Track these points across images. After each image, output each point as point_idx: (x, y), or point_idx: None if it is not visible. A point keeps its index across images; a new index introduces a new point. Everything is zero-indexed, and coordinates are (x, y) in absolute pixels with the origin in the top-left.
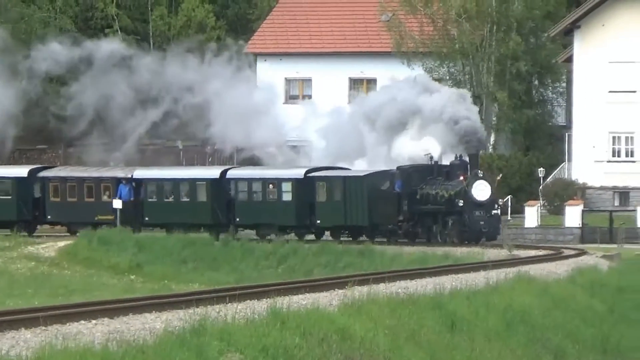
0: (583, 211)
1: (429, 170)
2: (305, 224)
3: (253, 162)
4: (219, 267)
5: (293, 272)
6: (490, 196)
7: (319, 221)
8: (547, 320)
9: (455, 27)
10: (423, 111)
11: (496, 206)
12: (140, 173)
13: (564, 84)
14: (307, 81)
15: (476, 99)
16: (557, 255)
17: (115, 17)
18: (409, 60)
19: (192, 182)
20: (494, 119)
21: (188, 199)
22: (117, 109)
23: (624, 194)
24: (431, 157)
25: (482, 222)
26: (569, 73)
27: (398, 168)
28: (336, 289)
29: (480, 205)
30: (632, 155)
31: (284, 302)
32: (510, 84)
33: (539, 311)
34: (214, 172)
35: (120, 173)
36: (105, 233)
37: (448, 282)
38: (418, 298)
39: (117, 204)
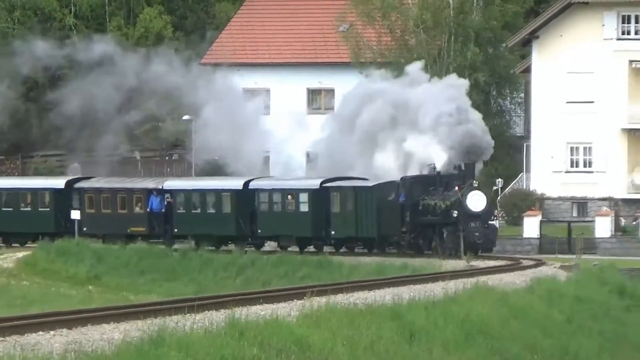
0: (541, 222)
1: (431, 181)
2: (321, 235)
3: (219, 173)
4: (177, 278)
5: (251, 283)
6: (485, 207)
7: (333, 232)
8: (505, 330)
9: (413, 38)
10: (411, 106)
11: (493, 217)
12: (169, 184)
13: (522, 95)
14: (265, 92)
15: None
16: (515, 266)
17: (73, 28)
18: (367, 71)
19: (218, 193)
20: None
21: (214, 210)
22: (100, 113)
23: (582, 204)
24: (434, 167)
25: (477, 234)
26: (527, 83)
27: (402, 178)
28: (295, 300)
29: (475, 216)
30: (589, 166)
31: (242, 312)
32: (469, 94)
33: (497, 321)
34: (237, 183)
35: (151, 184)
36: (63, 244)
37: (406, 292)
38: (376, 308)
39: (75, 214)
